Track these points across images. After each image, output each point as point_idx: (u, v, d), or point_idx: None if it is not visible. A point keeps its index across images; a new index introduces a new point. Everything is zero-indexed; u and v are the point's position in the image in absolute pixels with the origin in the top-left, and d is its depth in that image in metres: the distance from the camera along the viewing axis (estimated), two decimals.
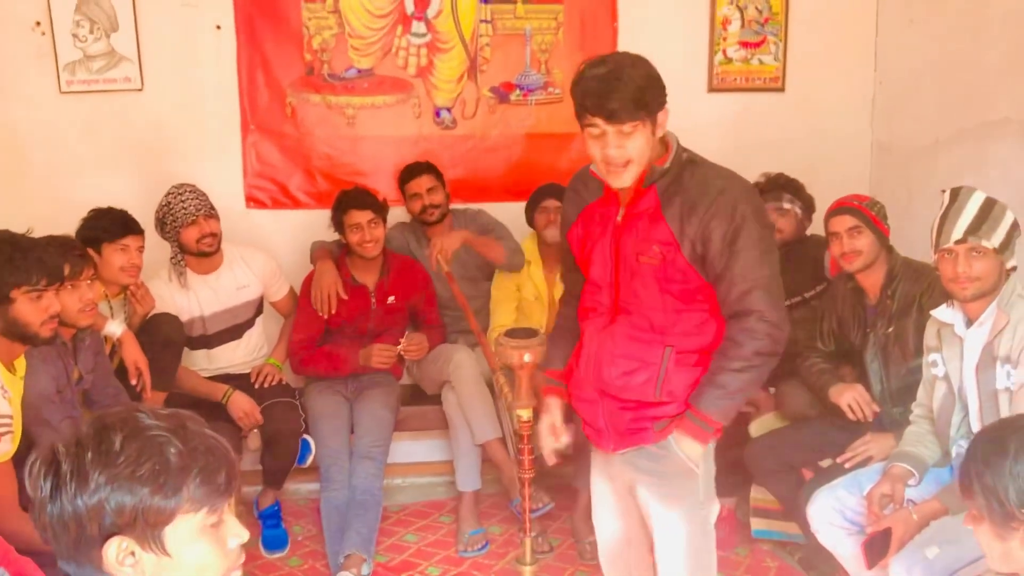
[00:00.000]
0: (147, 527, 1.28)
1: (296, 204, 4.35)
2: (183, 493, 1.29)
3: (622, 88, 2.16)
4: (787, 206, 3.75)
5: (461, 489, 3.84)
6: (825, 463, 3.21)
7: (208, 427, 1.39)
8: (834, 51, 4.48)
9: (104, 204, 3.49)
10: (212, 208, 3.75)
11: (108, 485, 1.26)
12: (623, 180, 2.28)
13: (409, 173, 4.09)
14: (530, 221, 4.09)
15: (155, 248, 3.70)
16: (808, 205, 3.80)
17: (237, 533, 1.39)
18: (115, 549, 1.28)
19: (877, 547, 2.65)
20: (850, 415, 3.15)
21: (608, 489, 2.66)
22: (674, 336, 2.34)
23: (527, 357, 2.68)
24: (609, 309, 2.42)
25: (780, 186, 3.77)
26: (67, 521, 1.26)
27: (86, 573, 1.30)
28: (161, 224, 3.71)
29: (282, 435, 3.67)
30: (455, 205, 4.20)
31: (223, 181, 4.16)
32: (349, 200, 3.84)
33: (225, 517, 1.36)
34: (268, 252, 4.05)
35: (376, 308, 3.95)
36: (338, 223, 3.87)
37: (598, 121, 2.20)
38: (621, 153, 2.22)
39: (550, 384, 2.63)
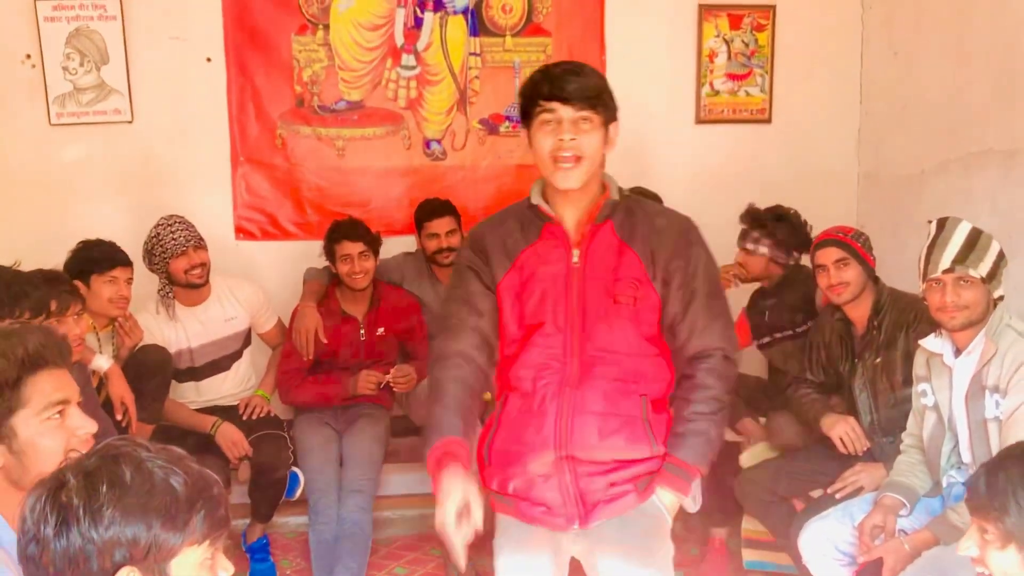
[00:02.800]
0: (157, 560, 1.27)
1: (286, 235, 4.36)
2: (190, 526, 1.28)
3: (584, 76, 2.10)
4: (750, 247, 3.68)
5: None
6: (816, 493, 3.20)
7: (195, 462, 1.38)
8: (820, 83, 4.52)
9: (93, 236, 3.49)
10: (201, 239, 3.75)
11: (124, 517, 1.24)
12: (571, 179, 2.10)
13: (430, 211, 4.06)
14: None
15: (142, 280, 3.69)
16: (798, 240, 3.66)
17: (225, 568, 1.38)
18: None
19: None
20: (841, 448, 3.14)
21: (549, 563, 2.26)
22: (645, 383, 2.18)
23: None
24: (569, 363, 2.16)
25: (756, 223, 3.69)
26: (75, 556, 1.24)
27: None
28: (150, 255, 3.71)
29: (270, 468, 3.64)
30: None
31: (213, 212, 4.16)
32: (342, 231, 3.85)
33: (217, 554, 1.36)
34: (256, 283, 4.05)
35: (365, 339, 3.95)
36: (329, 252, 3.88)
37: (554, 105, 2.08)
38: (574, 144, 2.08)
39: (450, 455, 2.12)
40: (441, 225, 4.03)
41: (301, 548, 3.96)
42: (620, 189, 2.23)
